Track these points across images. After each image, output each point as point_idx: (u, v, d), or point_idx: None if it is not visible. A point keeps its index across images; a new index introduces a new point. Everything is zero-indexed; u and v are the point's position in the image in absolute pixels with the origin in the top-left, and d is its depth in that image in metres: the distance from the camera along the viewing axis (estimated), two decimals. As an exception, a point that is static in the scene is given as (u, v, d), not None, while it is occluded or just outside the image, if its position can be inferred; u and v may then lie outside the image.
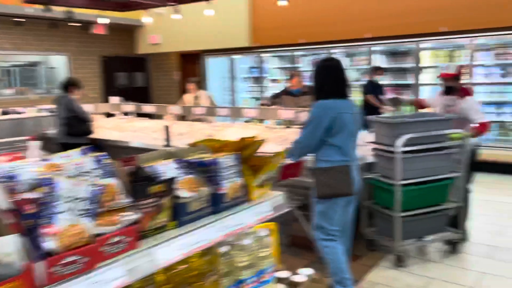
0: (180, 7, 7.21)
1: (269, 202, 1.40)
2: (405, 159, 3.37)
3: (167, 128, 2.00)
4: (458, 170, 3.65)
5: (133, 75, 11.79)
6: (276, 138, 4.55)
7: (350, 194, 2.81)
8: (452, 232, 3.78)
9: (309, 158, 3.04)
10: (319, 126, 2.73)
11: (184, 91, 6.78)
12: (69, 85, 5.46)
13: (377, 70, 6.93)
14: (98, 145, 5.60)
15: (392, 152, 3.40)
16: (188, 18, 9.32)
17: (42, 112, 8.51)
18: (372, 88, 6.83)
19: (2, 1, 7.79)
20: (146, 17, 7.15)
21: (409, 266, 3.52)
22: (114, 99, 7.32)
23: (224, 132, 4.99)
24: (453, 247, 3.78)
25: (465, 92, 3.92)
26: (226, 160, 1.31)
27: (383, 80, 7.28)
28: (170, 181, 1.15)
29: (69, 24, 9.60)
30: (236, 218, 1.26)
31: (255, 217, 1.33)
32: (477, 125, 3.73)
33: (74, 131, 5.34)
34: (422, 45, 7.07)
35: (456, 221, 3.84)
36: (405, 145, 3.34)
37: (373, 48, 7.52)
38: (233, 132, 4.94)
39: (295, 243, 3.96)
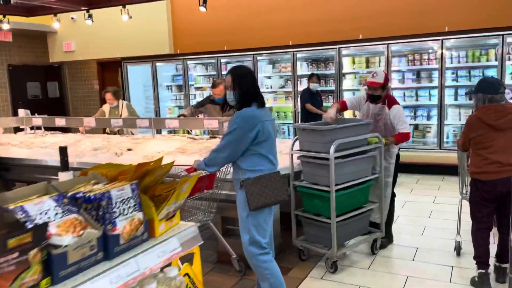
0: (95, 13, 6.76)
1: (177, 238, 1.19)
2: (336, 164, 3.35)
3: (63, 149, 1.70)
4: (377, 172, 3.77)
5: (47, 85, 10.90)
6: (201, 149, 4.34)
7: (284, 200, 2.87)
8: (378, 232, 3.85)
9: (224, 169, 3.03)
10: (245, 136, 2.65)
11: (103, 101, 6.32)
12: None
13: (312, 77, 6.92)
14: (2, 165, 5.00)
15: (323, 158, 3.38)
16: (105, 24, 8.81)
17: None
18: (310, 96, 6.82)
19: None
20: (55, 22, 6.57)
21: (338, 274, 3.49)
22: (22, 112, 6.64)
23: (144, 145, 4.67)
24: (376, 248, 3.85)
25: (391, 100, 3.98)
26: (120, 192, 1.09)
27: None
28: (40, 227, 0.90)
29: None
30: (133, 264, 1.03)
31: (159, 259, 1.11)
32: (399, 134, 3.81)
33: None
34: (343, 52, 7.25)
35: (378, 224, 3.92)
36: (336, 150, 3.32)
37: (297, 55, 7.58)
38: (155, 144, 4.64)
39: (222, 259, 3.78)
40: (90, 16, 6.21)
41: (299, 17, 7.59)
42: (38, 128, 6.37)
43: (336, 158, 3.36)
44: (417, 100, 6.99)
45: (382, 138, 3.74)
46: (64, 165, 1.79)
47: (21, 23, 8.51)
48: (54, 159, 4.59)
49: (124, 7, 5.96)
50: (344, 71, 7.38)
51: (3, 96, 9.85)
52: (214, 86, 5.36)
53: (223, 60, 8.28)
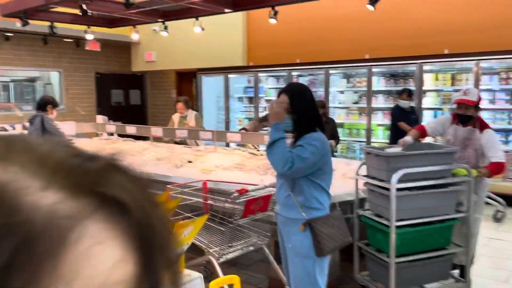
0: (173, 25, 6.96)
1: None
2: (402, 197, 2.95)
3: None
4: (463, 210, 3.22)
5: (129, 93, 11.51)
6: (260, 165, 4.16)
7: (350, 242, 2.60)
8: (454, 281, 3.34)
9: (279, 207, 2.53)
10: (318, 162, 2.32)
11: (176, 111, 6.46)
12: (46, 103, 5.12)
13: (403, 93, 6.23)
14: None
15: (386, 188, 2.98)
16: (183, 36, 9.07)
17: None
18: (401, 114, 6.12)
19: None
20: (134, 34, 6.85)
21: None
22: (100, 118, 6.99)
23: (204, 158, 4.61)
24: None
25: (483, 123, 3.47)
26: None
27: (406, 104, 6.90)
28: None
29: (64, 40, 9.43)
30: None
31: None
32: (493, 163, 3.27)
33: None
34: (425, 67, 6.69)
35: (460, 266, 3.41)
36: (401, 181, 2.92)
37: (373, 70, 7.15)
38: (214, 158, 4.55)
39: (273, 286, 3.53)
40: (165, 27, 6.37)
41: (377, 29, 7.16)
42: (112, 134, 6.65)
43: (402, 189, 2.95)
44: (509, 123, 6.20)
45: (471, 170, 3.15)
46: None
47: (108, 33, 9.06)
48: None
49: (197, 19, 6.02)
50: (425, 87, 6.80)
51: (90, 102, 10.55)
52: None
53: (294, 73, 8.09)
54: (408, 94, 6.24)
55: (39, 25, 7.52)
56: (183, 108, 6.22)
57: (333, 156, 7.66)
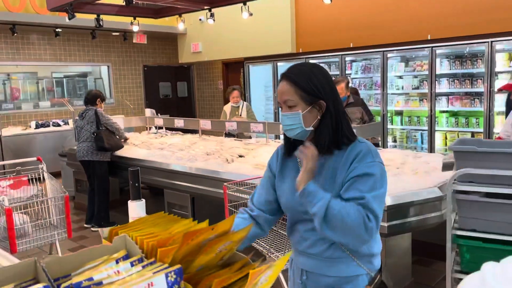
0: (219, 14, 6.70)
1: None
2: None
3: (134, 173, 1.31)
4: None
5: (177, 85, 11.44)
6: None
7: None
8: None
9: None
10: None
11: (227, 101, 6.23)
12: (95, 97, 5.04)
13: None
14: (117, 165, 5.12)
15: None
16: (229, 25, 8.79)
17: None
18: None
19: (41, 11, 7.65)
20: (180, 23, 6.64)
21: None
22: (148, 112, 6.88)
23: (256, 152, 4.30)
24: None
25: None
26: (153, 279, 0.62)
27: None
28: None
29: (112, 34, 9.45)
30: None
31: None
32: None
33: (102, 146, 4.89)
34: (497, 47, 5.99)
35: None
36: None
37: (436, 51, 6.52)
38: (267, 152, 4.23)
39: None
40: (212, 15, 6.10)
41: (439, 6, 6.51)
42: (161, 128, 6.51)
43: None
44: None
45: None
46: (136, 192, 1.42)
47: (154, 25, 8.95)
48: (166, 162, 4.50)
49: (244, 4, 5.70)
50: (497, 69, 6.11)
51: (138, 95, 10.57)
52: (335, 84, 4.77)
53: (348, 59, 7.59)
54: None
55: (86, 19, 7.51)
56: (239, 96, 5.97)
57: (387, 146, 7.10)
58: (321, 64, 8.18)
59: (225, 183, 3.03)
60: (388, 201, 2.84)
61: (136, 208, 1.42)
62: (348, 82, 4.85)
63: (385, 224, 2.84)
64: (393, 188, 3.00)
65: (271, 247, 2.82)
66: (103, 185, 5.03)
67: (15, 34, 7.94)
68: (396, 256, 3.25)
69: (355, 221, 1.34)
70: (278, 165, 1.62)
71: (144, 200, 1.45)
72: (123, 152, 5.09)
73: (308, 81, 1.47)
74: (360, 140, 1.50)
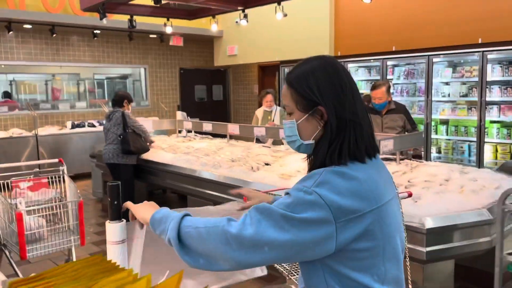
0: (255, 16, 6.50)
1: None
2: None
3: (113, 188, 1.11)
4: None
5: (212, 88, 11.35)
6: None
7: None
8: None
9: None
10: (328, 239, 1.13)
11: (260, 105, 6.02)
12: (122, 99, 4.94)
13: None
14: (143, 168, 4.98)
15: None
16: (265, 27, 8.57)
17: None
18: None
19: (79, 13, 7.73)
20: (213, 24, 6.48)
21: None
22: (179, 115, 6.75)
23: (283, 160, 4.02)
24: None
25: None
26: None
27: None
28: None
29: (149, 36, 9.47)
30: None
31: None
32: None
33: (127, 149, 4.78)
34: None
35: None
36: None
37: (487, 56, 5.99)
38: (295, 160, 3.94)
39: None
40: (245, 16, 5.89)
41: (491, 7, 5.98)
42: (190, 131, 6.36)
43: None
44: None
45: None
46: (115, 211, 1.18)
47: (191, 27, 8.88)
48: (190, 168, 4.31)
49: (279, 4, 5.44)
50: (558, 76, 5.52)
51: (174, 98, 10.55)
52: (374, 88, 4.42)
53: (389, 63, 7.16)
54: None
55: (123, 21, 7.51)
56: (272, 101, 5.74)
57: (438, 158, 6.48)
58: (360, 69, 7.83)
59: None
60: (429, 223, 2.48)
61: (114, 231, 1.19)
62: (389, 86, 4.47)
63: (424, 250, 2.48)
64: (435, 208, 2.64)
65: (292, 269, 2.53)
66: (128, 189, 4.91)
67: (54, 35, 8.07)
68: (437, 283, 2.87)
69: (213, 233, 1.06)
70: None
71: (124, 221, 1.22)
72: (149, 155, 4.96)
73: (304, 82, 1.16)
74: (331, 169, 1.09)
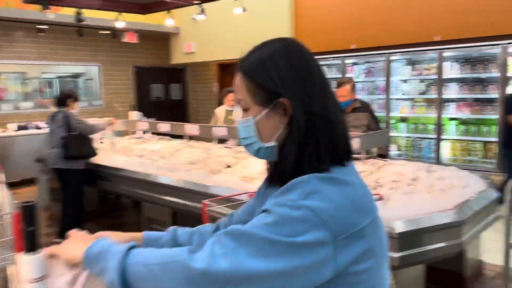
0: (213, 12, 6.24)
1: None
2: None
3: (27, 209, 0.90)
4: None
5: (170, 87, 10.95)
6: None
7: None
8: None
9: None
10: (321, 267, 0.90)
11: (220, 104, 5.76)
12: (65, 98, 4.53)
13: None
14: (93, 172, 4.61)
15: None
16: (224, 24, 8.32)
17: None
18: None
19: (23, 6, 7.16)
20: (168, 19, 6.15)
21: None
22: (134, 114, 6.37)
23: (246, 162, 3.80)
24: None
25: None
26: None
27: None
28: None
29: (100, 32, 8.96)
30: None
31: None
32: None
33: (70, 155, 4.38)
34: (510, 50, 5.52)
35: None
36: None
37: (444, 54, 6.05)
38: (259, 162, 3.73)
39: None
40: (202, 10, 5.62)
41: (448, 6, 6.04)
42: (146, 132, 6.00)
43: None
44: None
45: None
46: (29, 240, 0.91)
47: (146, 24, 8.49)
48: (144, 172, 4.00)
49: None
50: (510, 74, 5.63)
51: (129, 97, 10.07)
52: (338, 85, 4.29)
53: (348, 61, 7.12)
54: None
55: (72, 16, 7.03)
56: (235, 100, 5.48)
57: (398, 157, 6.46)
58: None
59: (203, 201, 2.53)
60: (401, 227, 2.34)
61: (30, 266, 0.92)
62: (354, 84, 4.35)
63: (396, 255, 2.34)
64: (405, 210, 2.51)
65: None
66: (76, 196, 4.53)
67: (-5, 30, 7.46)
68: (406, 287, 2.75)
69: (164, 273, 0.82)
70: (261, 195, 1.11)
71: (43, 252, 0.95)
72: (99, 159, 4.59)
73: (261, 69, 0.93)
74: (317, 175, 0.86)
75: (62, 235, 4.60)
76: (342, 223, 0.80)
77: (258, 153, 0.98)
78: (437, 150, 6.19)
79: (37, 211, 0.94)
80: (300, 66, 0.93)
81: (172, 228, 1.20)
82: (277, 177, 0.95)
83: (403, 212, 2.48)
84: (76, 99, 4.57)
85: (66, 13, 7.38)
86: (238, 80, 0.98)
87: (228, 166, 3.77)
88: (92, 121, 5.13)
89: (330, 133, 0.91)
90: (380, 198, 2.19)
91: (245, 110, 0.97)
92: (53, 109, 5.80)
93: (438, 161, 6.08)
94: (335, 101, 0.96)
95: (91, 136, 4.62)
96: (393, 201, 2.62)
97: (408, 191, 2.75)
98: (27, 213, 0.91)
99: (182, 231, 1.18)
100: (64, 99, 4.49)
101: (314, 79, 0.93)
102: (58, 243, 0.98)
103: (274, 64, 0.93)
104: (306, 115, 0.90)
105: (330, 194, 0.82)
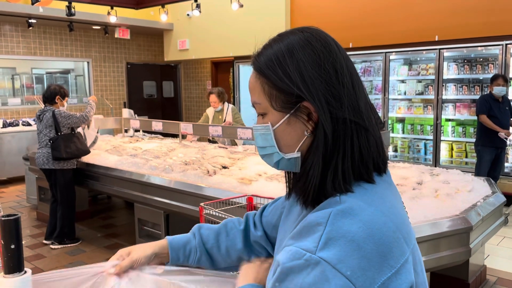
0: (208, 9, 6.09)
1: None
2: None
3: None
4: None
5: (162, 84, 10.77)
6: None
7: None
8: None
9: None
10: None
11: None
12: (54, 95, 4.34)
13: (497, 78, 5.06)
14: (84, 172, 4.45)
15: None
16: (219, 21, 8.17)
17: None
18: (489, 105, 5.05)
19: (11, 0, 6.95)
20: (162, 15, 5.99)
21: None
22: (126, 112, 6.21)
23: (243, 163, 3.67)
24: None
25: None
26: None
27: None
28: None
29: (92, 27, 8.76)
30: None
31: None
32: None
33: (58, 156, 4.19)
34: (511, 50, 5.46)
35: None
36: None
37: (443, 54, 5.97)
38: (256, 163, 3.60)
39: None
40: (198, 6, 5.47)
41: (448, 5, 5.96)
42: (138, 131, 5.85)
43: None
44: None
45: None
46: (14, 259, 0.78)
47: (139, 19, 8.30)
48: (137, 172, 3.85)
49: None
50: (511, 75, 5.57)
51: (121, 94, 9.89)
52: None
53: (346, 60, 7.00)
54: (504, 79, 5.06)
55: (62, 10, 6.84)
56: (217, 101, 5.31)
57: (394, 158, 6.42)
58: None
59: (201, 203, 2.40)
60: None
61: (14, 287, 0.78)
62: None
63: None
64: (412, 216, 2.40)
65: None
66: (67, 197, 4.36)
67: (-18, 24, 7.23)
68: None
69: None
70: (289, 202, 0.95)
71: (28, 273, 0.81)
72: (90, 158, 4.43)
73: (279, 67, 0.78)
74: (343, 200, 0.72)
75: (51, 236, 4.45)
76: (370, 278, 0.65)
77: (278, 165, 0.84)
78: (435, 152, 6.11)
79: (20, 225, 0.80)
80: (325, 62, 0.78)
81: (196, 227, 1.11)
82: (299, 193, 0.81)
83: (411, 218, 2.37)
84: (64, 95, 4.38)
85: (56, 7, 7.18)
86: (253, 80, 0.84)
87: (224, 167, 3.64)
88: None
89: (361, 142, 0.77)
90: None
91: (262, 115, 0.83)
92: (41, 104, 5.62)
93: (435, 163, 6.01)
94: (367, 103, 0.82)
95: (81, 130, 4.45)
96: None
97: (415, 196, 2.65)
98: (10, 228, 0.78)
99: (207, 231, 1.09)
100: (52, 96, 4.30)
101: (342, 77, 0.78)
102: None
103: (295, 60, 0.79)
104: (334, 121, 0.76)
105: (355, 237, 0.66)
